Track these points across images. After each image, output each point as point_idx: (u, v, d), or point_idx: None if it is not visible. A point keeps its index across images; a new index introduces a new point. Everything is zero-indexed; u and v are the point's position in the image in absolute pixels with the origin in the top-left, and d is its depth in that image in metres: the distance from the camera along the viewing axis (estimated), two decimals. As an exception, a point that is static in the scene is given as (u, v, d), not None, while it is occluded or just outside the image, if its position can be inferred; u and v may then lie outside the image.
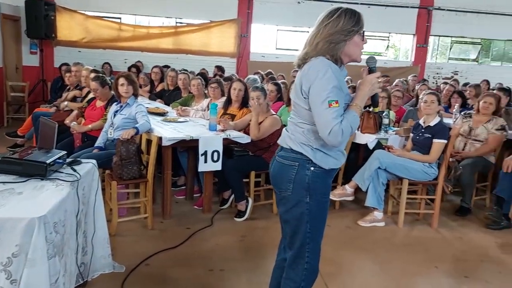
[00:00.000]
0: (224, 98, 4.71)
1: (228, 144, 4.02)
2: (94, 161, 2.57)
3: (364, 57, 2.00)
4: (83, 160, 2.56)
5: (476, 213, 4.48)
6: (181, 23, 10.41)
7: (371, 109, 4.69)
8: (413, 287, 2.98)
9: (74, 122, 4.44)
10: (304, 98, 1.86)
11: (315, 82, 1.80)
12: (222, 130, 4.01)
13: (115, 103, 4.13)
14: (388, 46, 12.03)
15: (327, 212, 2.07)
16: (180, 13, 10.28)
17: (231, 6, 10.21)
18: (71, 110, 5.18)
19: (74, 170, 2.31)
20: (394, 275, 3.14)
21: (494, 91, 5.71)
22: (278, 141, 2.07)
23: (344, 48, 1.88)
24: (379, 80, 1.96)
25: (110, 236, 2.75)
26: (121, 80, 3.98)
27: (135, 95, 4.06)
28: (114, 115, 4.02)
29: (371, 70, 1.96)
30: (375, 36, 11.76)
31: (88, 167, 2.47)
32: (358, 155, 4.86)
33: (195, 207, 4.28)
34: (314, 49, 1.86)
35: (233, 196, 4.18)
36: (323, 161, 1.92)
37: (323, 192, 2.00)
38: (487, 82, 9.16)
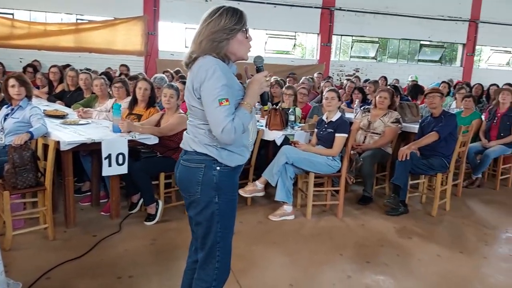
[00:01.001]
0: (129, 98, 4.54)
1: (135, 145, 3.88)
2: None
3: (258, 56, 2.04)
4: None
5: (377, 201, 4.79)
6: (82, 20, 9.86)
7: (277, 107, 4.87)
8: (320, 275, 3.11)
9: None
10: (198, 98, 1.85)
11: (205, 81, 1.79)
12: (128, 132, 3.86)
13: (5, 106, 3.79)
14: (295, 45, 12.47)
15: (236, 209, 2.08)
16: (81, 9, 9.74)
17: (136, 3, 9.91)
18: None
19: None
20: (302, 265, 3.26)
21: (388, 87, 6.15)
22: (181, 145, 2.02)
23: (228, 47, 1.89)
24: (267, 79, 1.98)
25: (4, 251, 2.52)
26: (11, 81, 3.66)
27: (29, 96, 3.76)
28: (5, 119, 3.69)
29: (258, 69, 2.00)
30: (283, 35, 12.13)
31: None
32: (267, 151, 4.96)
33: (102, 213, 4.07)
34: (199, 48, 1.86)
35: (142, 199, 4.05)
36: (228, 159, 1.93)
37: (231, 190, 2.01)
38: (385, 78, 9.89)
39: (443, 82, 8.40)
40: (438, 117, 4.57)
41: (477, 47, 14.02)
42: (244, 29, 1.92)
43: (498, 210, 4.73)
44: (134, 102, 4.38)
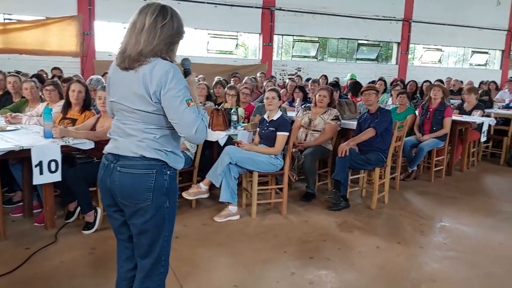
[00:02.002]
0: (62, 102, 4.32)
1: (69, 151, 3.70)
2: None
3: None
4: None
5: (320, 197, 4.89)
6: (10, 19, 9.28)
7: (219, 107, 4.84)
8: (264, 274, 3.12)
9: None
10: (155, 103, 1.79)
11: (167, 85, 1.75)
12: (61, 137, 3.66)
13: None
14: (237, 44, 12.48)
15: None
16: (9, 8, 9.17)
17: (70, 2, 9.48)
18: None
19: None
20: (247, 264, 3.26)
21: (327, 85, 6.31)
22: (117, 151, 1.90)
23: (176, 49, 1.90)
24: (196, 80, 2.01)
25: None
26: None
27: None
28: None
29: (186, 72, 1.99)
30: (225, 35, 12.11)
31: None
32: (212, 152, 4.92)
33: (36, 224, 3.85)
34: (151, 50, 1.79)
35: (79, 207, 3.87)
36: (176, 162, 1.93)
37: (176, 193, 2.00)
38: (325, 77, 10.12)
39: (379, 79, 8.73)
40: (374, 113, 4.74)
41: (410, 45, 14.73)
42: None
43: (432, 201, 4.97)
44: (67, 106, 4.18)
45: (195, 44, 11.78)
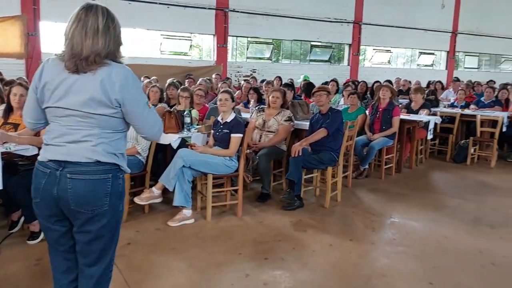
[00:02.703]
0: (3, 106, 4.10)
1: (11, 158, 3.51)
2: None
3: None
4: None
5: (276, 197, 4.91)
6: None
7: (171, 110, 4.76)
8: (218, 277, 3.10)
9: None
10: (116, 107, 1.79)
11: (129, 89, 1.79)
12: (2, 143, 3.47)
13: None
14: (191, 45, 12.36)
15: None
16: None
17: (13, 1, 9.03)
18: None
19: None
20: (201, 268, 3.22)
21: (280, 87, 6.37)
22: (65, 158, 1.81)
23: None
24: None
25: None
26: None
27: None
28: None
29: None
30: (178, 36, 11.97)
31: None
32: (165, 156, 4.84)
33: (-24, 235, 3.64)
34: (108, 52, 1.79)
35: (23, 216, 3.69)
36: (125, 165, 1.95)
37: (124, 196, 2.02)
38: (280, 78, 10.22)
39: (331, 80, 8.92)
40: (326, 114, 4.83)
41: (361, 47, 15.15)
42: None
43: (383, 198, 5.13)
44: (9, 110, 3.97)
45: (148, 45, 11.55)
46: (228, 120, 4.38)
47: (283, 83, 9.65)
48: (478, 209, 4.76)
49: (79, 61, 1.74)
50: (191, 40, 12.24)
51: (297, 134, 5.52)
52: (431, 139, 7.24)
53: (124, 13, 10.09)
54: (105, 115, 1.79)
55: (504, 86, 9.15)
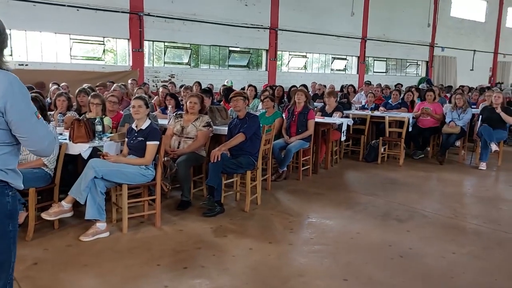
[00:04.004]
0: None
1: None
2: None
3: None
4: None
5: (196, 204, 4.84)
6: None
7: (80, 118, 4.52)
8: (136, 292, 2.98)
9: None
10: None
11: (14, 97, 1.63)
12: None
13: None
14: (104, 50, 11.86)
15: None
16: None
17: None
18: None
19: None
20: (116, 283, 3.08)
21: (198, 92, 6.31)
22: None
23: None
24: None
25: None
26: None
27: None
28: None
29: None
30: (90, 40, 11.43)
31: None
32: (76, 166, 4.57)
33: None
34: None
35: None
36: (17, 181, 1.78)
37: (18, 215, 1.84)
38: (199, 83, 10.13)
39: (249, 85, 9.04)
40: (243, 118, 4.88)
41: (278, 52, 15.54)
42: None
43: (301, 198, 5.28)
44: None
45: (56, 50, 10.88)
46: (143, 127, 4.24)
47: (201, 88, 9.62)
48: (387, 204, 5.08)
49: None
50: (104, 44, 11.74)
51: (216, 140, 5.50)
52: (345, 140, 7.61)
53: (29, 15, 9.47)
54: None
55: (409, 89, 9.91)
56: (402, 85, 13.74)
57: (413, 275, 3.31)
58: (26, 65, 10.03)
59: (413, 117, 7.87)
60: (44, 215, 3.79)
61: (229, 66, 14.54)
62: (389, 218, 4.59)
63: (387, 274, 3.32)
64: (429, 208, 4.95)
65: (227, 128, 5.14)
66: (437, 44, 20.93)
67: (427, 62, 21.20)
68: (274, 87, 9.85)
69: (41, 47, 10.58)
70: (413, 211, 4.83)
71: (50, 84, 7.96)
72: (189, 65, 13.57)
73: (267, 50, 15.12)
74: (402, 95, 9.46)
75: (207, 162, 5.00)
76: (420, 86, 13.86)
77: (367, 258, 3.58)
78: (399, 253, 3.67)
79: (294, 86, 10.44)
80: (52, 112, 5.40)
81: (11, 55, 9.91)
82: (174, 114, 5.60)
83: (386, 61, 19.95)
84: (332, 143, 7.00)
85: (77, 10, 10.38)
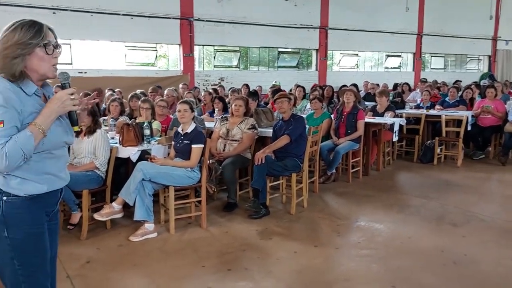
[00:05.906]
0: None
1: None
2: None
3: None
4: None
5: (242, 206, 4.84)
6: None
7: (129, 122, 4.67)
8: (180, 293, 3.02)
9: None
10: None
11: None
12: None
13: None
14: (157, 56, 12.24)
15: (46, 244, 1.85)
16: None
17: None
18: None
19: None
20: (163, 283, 3.14)
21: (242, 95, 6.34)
22: None
23: (25, 63, 1.71)
24: (72, 97, 1.78)
25: None
26: None
27: None
28: None
29: (63, 86, 1.84)
30: (143, 47, 11.84)
31: None
32: (127, 169, 4.73)
33: None
34: None
35: None
36: (19, 188, 1.72)
37: (29, 223, 1.78)
38: (247, 86, 10.20)
39: (297, 86, 8.96)
40: (288, 120, 4.82)
41: (328, 52, 15.31)
42: (42, 44, 1.73)
43: (350, 201, 5.14)
44: None
45: (112, 57, 11.38)
46: (188, 131, 4.31)
47: (250, 90, 9.66)
48: (442, 207, 4.82)
49: None
50: (156, 50, 12.13)
51: (262, 142, 5.49)
52: (398, 141, 7.33)
53: (87, 25, 9.98)
54: None
55: (469, 86, 9.39)
56: (461, 81, 13.07)
57: (467, 283, 3.11)
58: (85, 72, 10.57)
59: (472, 116, 7.43)
60: (96, 216, 3.95)
61: (279, 67, 14.52)
62: (443, 222, 4.36)
63: (439, 281, 3.14)
64: (488, 212, 4.64)
65: (272, 130, 5.11)
66: (500, 37, 19.69)
67: (489, 56, 20.02)
68: (323, 87, 9.70)
69: (98, 55, 11.11)
70: (470, 215, 4.55)
71: (106, 90, 8.32)
72: (239, 67, 13.69)
73: (317, 50, 14.94)
74: (461, 92, 8.97)
75: (252, 164, 5.00)
76: (481, 83, 13.09)
77: (418, 264, 3.41)
78: (453, 259, 3.47)
79: (344, 85, 10.22)
80: (105, 117, 5.64)
81: (71, 63, 10.50)
82: (220, 117, 5.66)
83: (444, 57, 19.06)
84: (384, 144, 6.77)
85: (131, 18, 10.79)
